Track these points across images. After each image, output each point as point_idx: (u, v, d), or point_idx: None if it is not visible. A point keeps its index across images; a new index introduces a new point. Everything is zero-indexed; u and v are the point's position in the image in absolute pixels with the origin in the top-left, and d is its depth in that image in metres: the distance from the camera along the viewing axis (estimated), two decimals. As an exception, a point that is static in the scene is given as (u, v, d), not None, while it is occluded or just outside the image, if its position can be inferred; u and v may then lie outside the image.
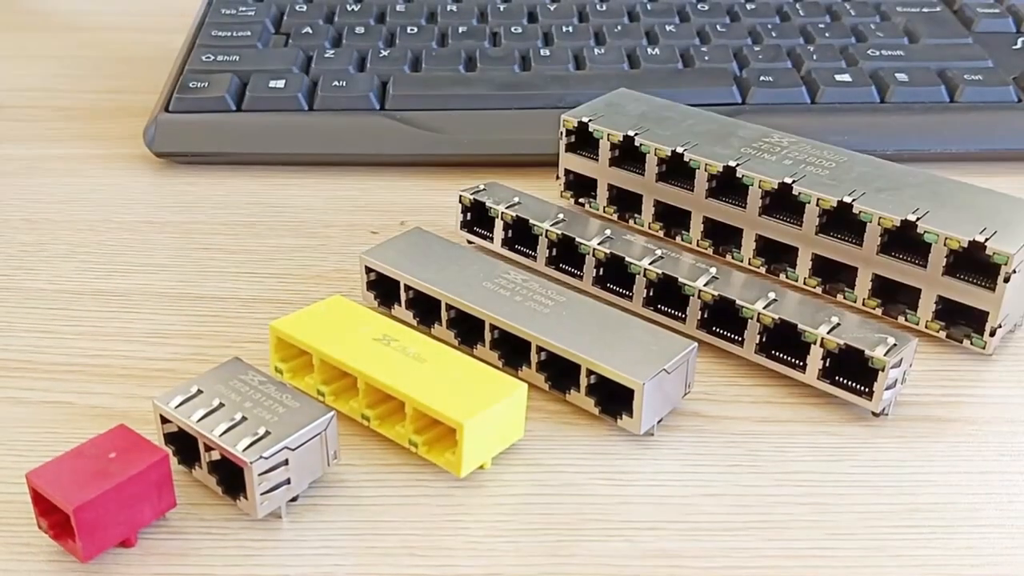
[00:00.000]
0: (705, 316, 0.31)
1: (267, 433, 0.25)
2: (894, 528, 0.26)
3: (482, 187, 0.36)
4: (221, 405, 0.26)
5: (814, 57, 0.45)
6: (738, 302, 0.30)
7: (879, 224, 0.31)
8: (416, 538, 0.26)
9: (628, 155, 0.36)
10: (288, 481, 0.26)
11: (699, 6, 0.49)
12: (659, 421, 0.29)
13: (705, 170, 0.34)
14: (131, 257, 0.37)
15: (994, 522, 0.27)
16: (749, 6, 0.49)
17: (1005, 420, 0.30)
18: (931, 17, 0.49)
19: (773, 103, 0.42)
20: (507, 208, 0.34)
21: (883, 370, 0.28)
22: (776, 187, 0.33)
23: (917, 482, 0.28)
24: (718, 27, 0.47)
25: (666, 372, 0.28)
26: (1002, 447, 0.29)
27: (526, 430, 0.29)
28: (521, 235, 0.35)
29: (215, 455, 0.26)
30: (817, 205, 0.32)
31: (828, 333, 0.29)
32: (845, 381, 0.29)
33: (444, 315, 0.31)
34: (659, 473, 0.28)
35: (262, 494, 0.25)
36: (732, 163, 0.33)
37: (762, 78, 0.43)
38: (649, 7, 0.49)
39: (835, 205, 0.32)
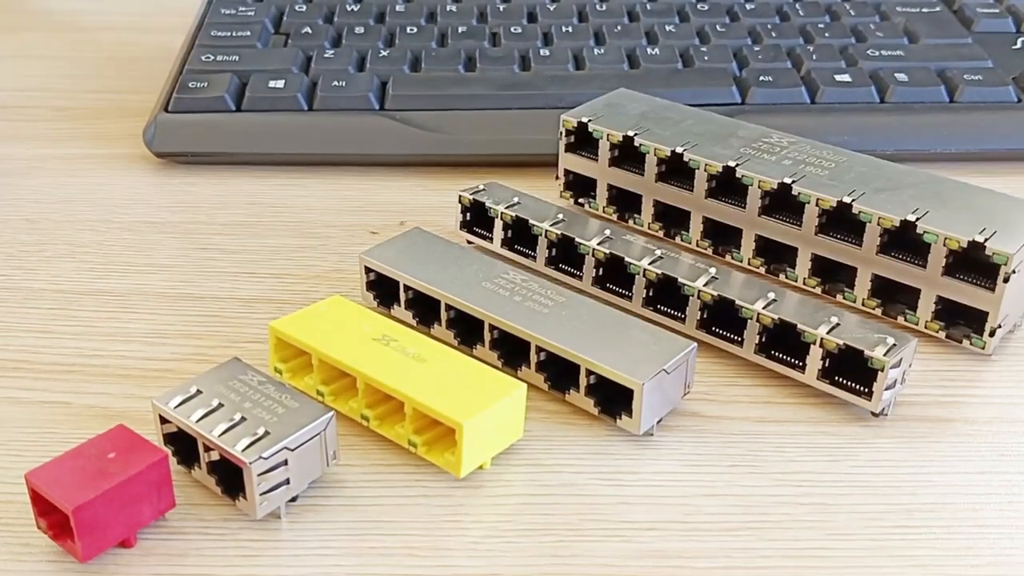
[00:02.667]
0: (705, 316, 0.31)
1: (266, 433, 0.25)
2: (893, 528, 0.26)
3: (482, 187, 0.36)
4: (220, 405, 0.26)
5: (814, 57, 0.45)
6: (737, 302, 0.30)
7: (878, 224, 0.31)
8: (416, 538, 0.26)
9: (627, 155, 0.36)
10: (287, 481, 0.26)
11: (699, 6, 0.49)
12: (659, 421, 0.29)
13: (705, 170, 0.34)
14: (130, 257, 0.37)
15: (993, 522, 0.27)
16: (749, 6, 0.49)
17: (1005, 420, 0.30)
18: (931, 17, 0.49)
19: (773, 103, 0.42)
20: (507, 208, 0.34)
21: (883, 370, 0.28)
22: (775, 187, 0.33)
23: (916, 482, 0.28)
24: (718, 27, 0.47)
25: (665, 372, 0.28)
26: (1002, 447, 0.29)
27: (525, 430, 0.29)
28: (521, 235, 0.35)
29: (214, 455, 0.26)
30: (817, 205, 0.32)
31: (828, 333, 0.29)
32: (844, 381, 0.29)
33: (444, 315, 0.31)
34: (658, 473, 0.28)
35: (261, 494, 0.25)
36: (732, 163, 0.34)
37: (762, 78, 0.43)
38: (649, 7, 0.49)
39: (835, 205, 0.32)
